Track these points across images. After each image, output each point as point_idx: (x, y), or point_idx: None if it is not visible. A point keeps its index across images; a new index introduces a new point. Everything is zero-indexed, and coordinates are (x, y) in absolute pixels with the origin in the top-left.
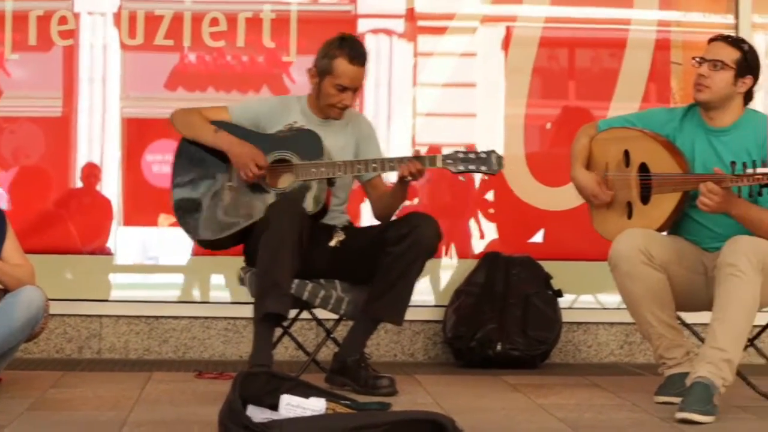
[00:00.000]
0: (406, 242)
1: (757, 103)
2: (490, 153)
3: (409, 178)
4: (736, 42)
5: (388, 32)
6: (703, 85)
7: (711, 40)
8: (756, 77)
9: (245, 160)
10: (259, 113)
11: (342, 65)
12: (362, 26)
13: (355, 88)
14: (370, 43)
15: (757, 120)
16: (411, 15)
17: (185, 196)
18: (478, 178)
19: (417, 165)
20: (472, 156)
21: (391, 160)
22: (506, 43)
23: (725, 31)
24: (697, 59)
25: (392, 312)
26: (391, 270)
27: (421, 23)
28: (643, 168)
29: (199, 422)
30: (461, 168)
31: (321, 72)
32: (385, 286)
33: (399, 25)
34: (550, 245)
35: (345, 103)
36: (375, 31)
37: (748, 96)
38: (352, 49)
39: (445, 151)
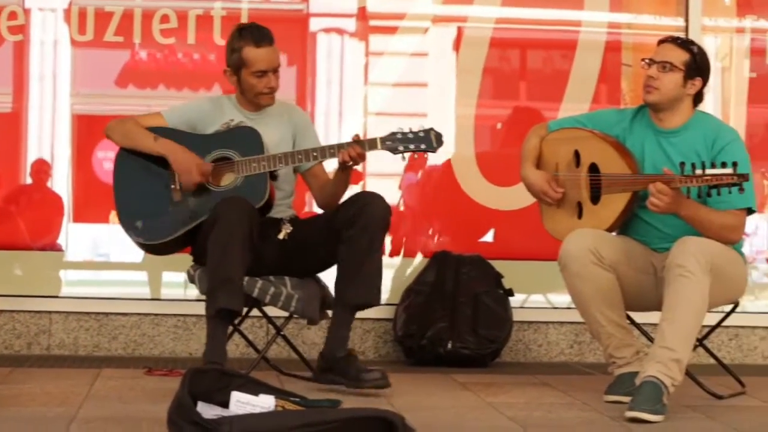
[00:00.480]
0: (360, 223)
1: (708, 105)
2: (428, 131)
3: (350, 162)
4: (686, 44)
5: (340, 31)
6: (652, 86)
7: (660, 42)
8: (705, 79)
9: (188, 168)
10: (194, 115)
11: (251, 52)
12: (314, 25)
13: (273, 69)
14: (322, 42)
15: (707, 122)
16: (363, 14)
17: (129, 205)
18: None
19: (357, 149)
20: (410, 135)
21: (331, 147)
22: (457, 44)
23: (675, 34)
24: (647, 60)
25: (367, 294)
26: (353, 254)
27: (372, 23)
28: (593, 168)
29: (148, 419)
30: (401, 148)
31: (235, 68)
32: (352, 271)
33: (351, 25)
34: (500, 244)
35: (271, 85)
36: (327, 30)
37: (698, 98)
38: (254, 33)
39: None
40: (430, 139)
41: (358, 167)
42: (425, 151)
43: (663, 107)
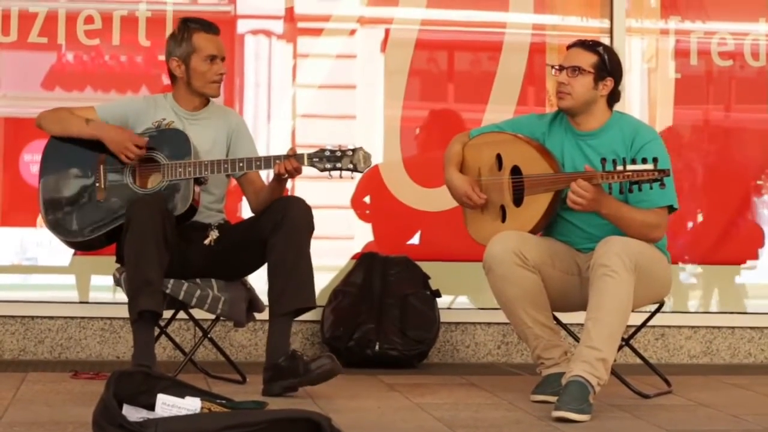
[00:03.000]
0: (284, 228)
1: (634, 107)
2: (357, 150)
3: (286, 175)
4: (593, 46)
5: (268, 33)
6: (563, 92)
7: (568, 47)
8: (617, 78)
9: (123, 142)
10: (127, 112)
11: (202, 38)
12: (241, 27)
13: (222, 57)
14: (250, 44)
15: (625, 122)
16: (290, 16)
17: (53, 197)
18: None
19: (293, 163)
20: (338, 154)
21: (258, 159)
22: (384, 45)
23: (600, 36)
24: (556, 67)
25: (303, 297)
26: (282, 260)
27: (300, 24)
28: (516, 171)
29: (74, 422)
30: (328, 166)
31: (184, 57)
32: (284, 277)
33: (278, 26)
34: (427, 246)
35: (221, 72)
36: (254, 32)
37: (613, 97)
38: (201, 22)
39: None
40: (358, 159)
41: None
42: (351, 171)
43: (578, 111)
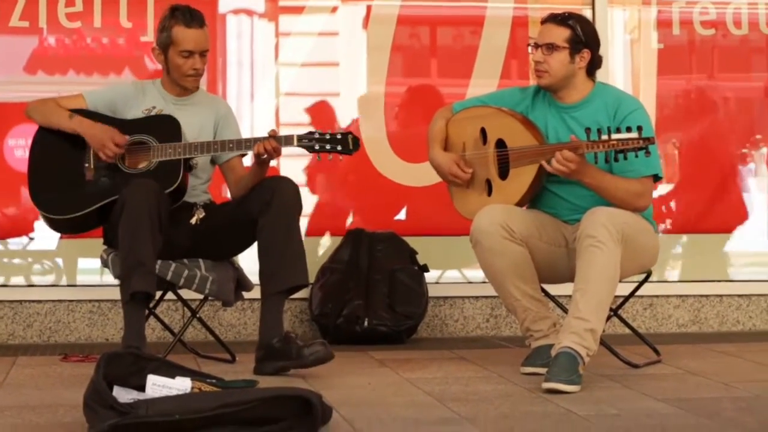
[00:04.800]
0: (273, 207)
1: (618, 78)
2: (346, 135)
3: (265, 155)
4: (564, 20)
5: (249, 12)
6: (541, 70)
7: (542, 23)
8: (594, 48)
9: (103, 140)
10: (116, 98)
11: (180, 32)
12: (223, 6)
13: (201, 52)
14: (232, 24)
15: (608, 93)
16: None
17: (41, 180)
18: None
19: (272, 143)
20: (327, 137)
21: (248, 140)
22: (366, 22)
23: (582, 8)
24: (531, 45)
25: (296, 275)
26: (273, 242)
27: (282, 3)
28: (501, 144)
29: (65, 405)
30: (317, 148)
31: (163, 47)
32: (275, 257)
33: (260, 5)
34: (413, 221)
35: (196, 67)
36: (236, 12)
37: (593, 66)
38: (185, 14)
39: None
40: (346, 142)
41: (274, 162)
42: (341, 153)
43: (558, 87)
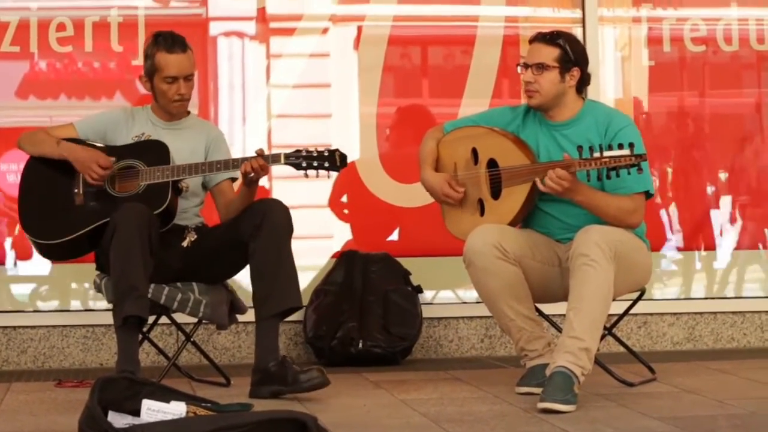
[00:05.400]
0: (264, 230)
1: (609, 95)
2: (333, 152)
3: (252, 174)
4: (553, 39)
5: (240, 34)
6: (531, 90)
7: (530, 42)
8: (583, 66)
9: (87, 162)
10: (106, 126)
11: (162, 58)
12: (214, 29)
13: (185, 76)
14: (223, 46)
15: (598, 110)
16: (262, 16)
17: (30, 206)
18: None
19: (259, 161)
20: (314, 154)
21: (235, 159)
22: (357, 43)
23: (572, 27)
24: (521, 65)
25: (289, 297)
26: (265, 263)
27: (273, 24)
28: (492, 164)
29: (60, 431)
30: (304, 165)
31: (149, 74)
32: (269, 280)
33: (251, 27)
34: (407, 242)
35: (181, 92)
36: (227, 34)
37: (583, 83)
38: (167, 39)
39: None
40: (334, 159)
41: (263, 182)
42: (328, 170)
43: (549, 106)
